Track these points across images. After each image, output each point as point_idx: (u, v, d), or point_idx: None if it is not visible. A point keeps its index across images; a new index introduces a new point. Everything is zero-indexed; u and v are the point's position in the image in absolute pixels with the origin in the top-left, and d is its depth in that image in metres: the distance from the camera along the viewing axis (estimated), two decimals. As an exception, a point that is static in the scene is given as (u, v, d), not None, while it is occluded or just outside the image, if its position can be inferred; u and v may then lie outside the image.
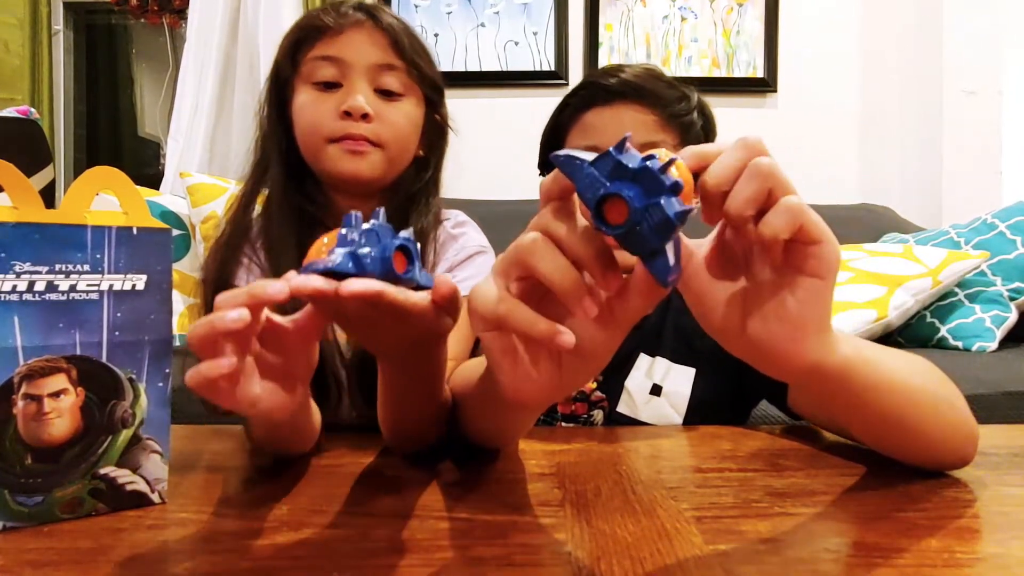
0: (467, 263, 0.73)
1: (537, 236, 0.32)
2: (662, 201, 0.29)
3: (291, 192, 0.70)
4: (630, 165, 0.29)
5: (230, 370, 0.32)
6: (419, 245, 0.40)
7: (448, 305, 0.38)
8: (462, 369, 0.58)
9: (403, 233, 0.36)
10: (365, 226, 0.35)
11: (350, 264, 0.33)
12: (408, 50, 0.69)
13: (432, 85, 0.73)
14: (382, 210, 0.36)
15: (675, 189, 0.29)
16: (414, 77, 0.70)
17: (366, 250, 0.34)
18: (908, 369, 0.43)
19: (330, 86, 0.68)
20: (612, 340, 0.34)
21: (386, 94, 0.69)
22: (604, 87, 0.72)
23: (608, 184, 0.29)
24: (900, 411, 0.43)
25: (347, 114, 0.66)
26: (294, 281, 0.33)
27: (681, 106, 0.71)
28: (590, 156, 0.30)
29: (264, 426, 0.50)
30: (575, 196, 0.32)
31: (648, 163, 0.29)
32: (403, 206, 0.72)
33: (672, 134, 0.70)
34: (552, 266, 0.31)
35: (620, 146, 0.30)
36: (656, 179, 0.29)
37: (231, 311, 0.32)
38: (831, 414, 0.58)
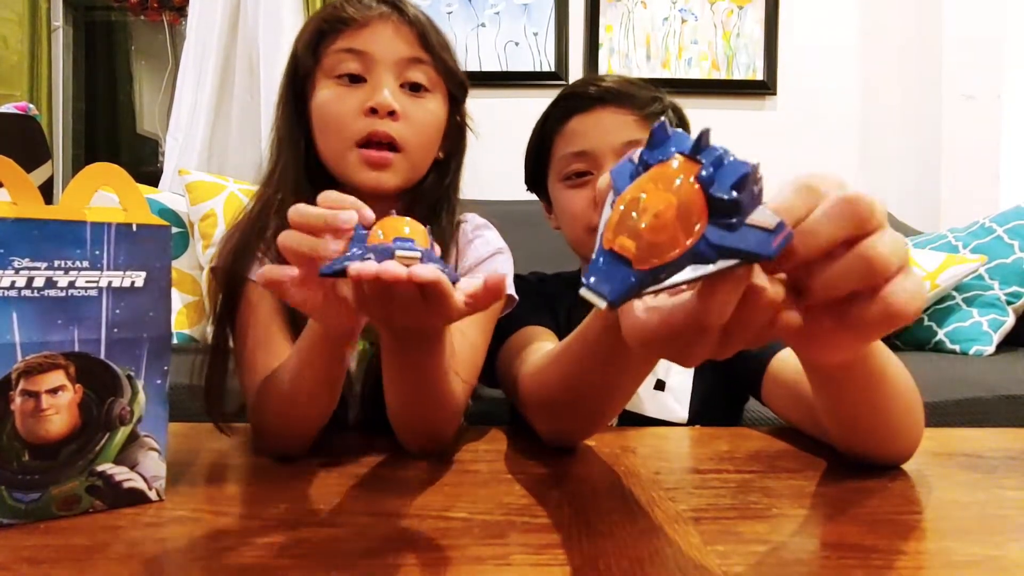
0: (484, 264, 0.72)
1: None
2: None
3: (307, 197, 0.68)
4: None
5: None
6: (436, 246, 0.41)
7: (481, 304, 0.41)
8: (536, 360, 0.57)
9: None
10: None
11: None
12: (435, 44, 0.67)
13: (457, 82, 0.71)
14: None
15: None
16: (441, 72, 0.68)
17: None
18: (899, 366, 0.45)
19: (354, 80, 0.65)
20: None
21: (413, 88, 0.67)
22: (583, 95, 0.75)
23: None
24: (889, 400, 0.45)
25: (373, 111, 0.64)
26: (355, 267, 0.35)
27: (656, 106, 0.75)
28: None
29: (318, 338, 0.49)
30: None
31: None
32: (426, 213, 0.69)
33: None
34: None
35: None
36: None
37: (343, 212, 0.39)
38: (823, 398, 0.51)
